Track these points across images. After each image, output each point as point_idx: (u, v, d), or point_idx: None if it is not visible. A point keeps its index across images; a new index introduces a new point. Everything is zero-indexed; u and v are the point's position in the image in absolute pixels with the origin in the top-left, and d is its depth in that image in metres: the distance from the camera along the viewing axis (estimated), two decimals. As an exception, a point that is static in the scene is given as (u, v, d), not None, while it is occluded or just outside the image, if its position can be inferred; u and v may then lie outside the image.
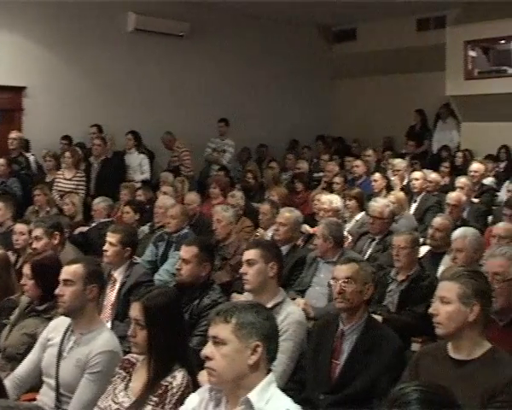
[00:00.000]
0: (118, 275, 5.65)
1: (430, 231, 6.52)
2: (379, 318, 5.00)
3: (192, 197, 8.61)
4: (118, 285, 5.60)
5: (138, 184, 10.52)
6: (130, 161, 11.21)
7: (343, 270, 4.20)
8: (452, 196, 7.72)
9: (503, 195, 9.32)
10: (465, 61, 13.05)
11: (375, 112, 14.80)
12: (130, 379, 3.43)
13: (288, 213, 6.82)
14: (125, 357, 3.57)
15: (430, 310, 3.33)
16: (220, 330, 2.75)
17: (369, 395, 3.84)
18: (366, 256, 6.89)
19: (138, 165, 11.26)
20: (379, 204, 7.12)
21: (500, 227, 6.29)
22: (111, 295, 5.59)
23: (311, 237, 7.34)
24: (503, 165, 12.13)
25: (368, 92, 15.10)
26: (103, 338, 3.89)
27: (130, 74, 12.40)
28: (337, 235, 6.16)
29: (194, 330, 4.61)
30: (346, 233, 7.59)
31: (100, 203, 8.57)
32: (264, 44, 14.25)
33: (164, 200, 8.17)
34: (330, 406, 3.89)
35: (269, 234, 7.45)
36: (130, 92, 12.36)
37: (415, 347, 4.83)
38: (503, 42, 13.19)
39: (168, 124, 12.22)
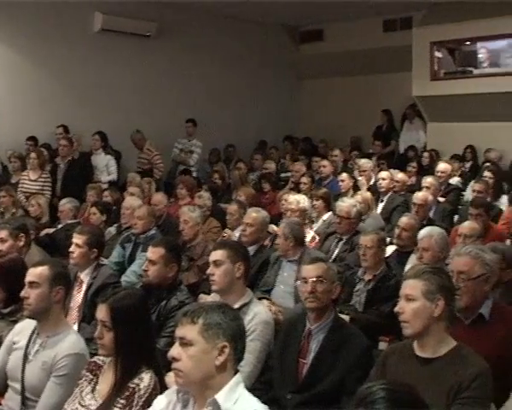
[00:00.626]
0: (84, 277, 5.60)
1: (396, 230, 6.57)
2: (346, 317, 5.03)
3: (159, 198, 8.58)
4: (84, 287, 5.55)
5: (105, 185, 10.47)
6: (96, 162, 11.13)
7: (313, 269, 4.22)
8: (419, 196, 7.78)
9: (468, 194, 9.42)
10: (431, 61, 13.17)
11: (343, 112, 14.87)
12: (97, 382, 3.41)
13: (254, 214, 6.83)
14: (92, 359, 3.54)
15: (396, 309, 3.36)
16: (187, 331, 2.74)
17: (336, 394, 3.86)
18: (333, 256, 6.93)
19: (105, 166, 11.19)
20: (346, 204, 7.15)
21: (465, 226, 6.37)
22: (77, 297, 5.54)
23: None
24: (468, 165, 12.29)
25: (335, 93, 15.16)
26: (69, 341, 3.86)
27: (97, 75, 12.30)
28: (297, 234, 6.19)
29: (162, 332, 4.58)
30: (313, 233, 7.64)
31: (66, 204, 8.51)
32: (231, 45, 14.25)
33: (131, 201, 8.13)
34: (298, 405, 3.90)
35: (236, 234, 7.45)
36: (96, 93, 12.27)
37: (382, 346, 4.87)
38: (468, 43, 13.35)
39: (135, 124, 12.16)
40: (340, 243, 7.08)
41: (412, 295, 3.28)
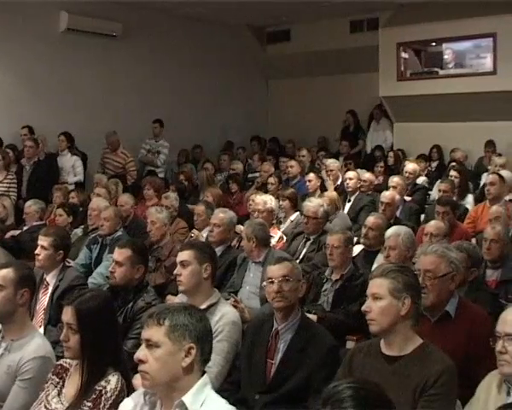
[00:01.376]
0: (50, 279, 5.56)
1: (364, 230, 6.61)
2: (313, 317, 5.05)
3: (126, 199, 8.53)
4: (50, 289, 5.51)
5: (71, 186, 10.39)
6: (62, 163, 11.04)
7: (279, 269, 4.23)
8: (386, 195, 7.84)
9: (434, 193, 9.50)
10: (398, 62, 13.30)
11: (310, 112, 14.92)
12: (63, 385, 3.38)
13: (222, 214, 6.82)
14: (58, 362, 3.51)
15: (363, 308, 3.37)
16: (153, 332, 2.73)
17: (304, 393, 3.87)
18: (301, 256, 6.95)
19: (71, 167, 11.12)
20: (313, 204, 7.17)
21: (432, 225, 6.43)
22: (43, 299, 5.50)
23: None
24: (434, 164, 12.41)
25: (302, 93, 15.21)
26: (35, 344, 3.83)
27: (63, 75, 12.17)
28: (260, 235, 6.17)
29: (129, 334, 4.55)
30: (280, 233, 7.66)
31: (32, 206, 8.43)
32: (197, 45, 14.20)
33: (97, 202, 8.09)
34: (266, 405, 3.91)
35: (204, 235, 7.45)
36: (62, 93, 12.13)
37: (349, 345, 4.89)
38: (434, 44, 13.52)
39: (102, 125, 12.08)
40: (308, 243, 7.10)
41: (379, 294, 3.30)
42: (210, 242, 6.46)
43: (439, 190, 8.64)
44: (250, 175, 12.40)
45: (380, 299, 3.29)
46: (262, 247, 6.17)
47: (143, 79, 13.28)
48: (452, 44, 13.00)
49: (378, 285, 3.32)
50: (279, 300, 4.12)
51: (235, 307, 4.99)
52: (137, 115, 12.87)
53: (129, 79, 13.08)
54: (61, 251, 5.59)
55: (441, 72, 13.02)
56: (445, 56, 13.13)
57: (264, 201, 7.78)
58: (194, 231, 7.74)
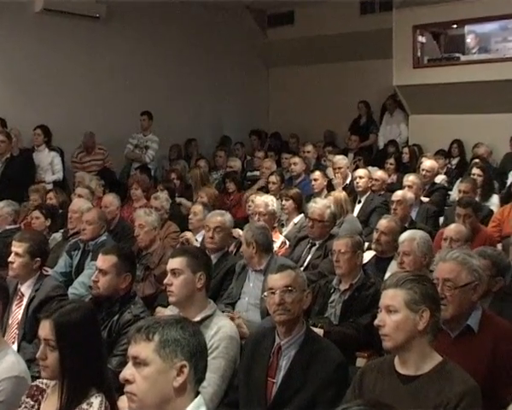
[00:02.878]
0: (25, 289, 5.55)
1: (375, 234, 6.60)
2: (319, 331, 5.04)
3: (111, 200, 8.52)
4: (25, 301, 5.49)
5: (49, 186, 10.38)
6: (39, 160, 11.02)
7: (280, 278, 4.23)
8: (397, 193, 7.86)
9: (455, 194, 9.49)
10: (413, 47, 13.26)
11: (316, 104, 14.94)
12: (38, 408, 3.37)
13: (220, 217, 6.81)
14: (34, 383, 3.50)
15: (376, 322, 3.36)
16: (141, 349, 2.72)
17: (309, 415, 3.87)
18: (305, 263, 6.95)
19: (49, 164, 11.10)
20: (319, 205, 7.16)
21: (451, 229, 6.41)
22: (17, 312, 5.49)
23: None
24: (455, 161, 12.38)
25: (307, 82, 15.22)
26: (7, 362, 3.81)
27: (38, 60, 12.10)
28: (262, 240, 6.16)
29: (114, 350, 4.56)
30: (282, 238, 7.66)
31: (4, 208, 8.42)
32: (191, 30, 14.20)
33: (79, 203, 8.08)
34: (266, 429, 3.91)
35: (198, 238, 7.44)
36: (38, 81, 12.08)
37: (360, 362, 4.88)
38: (455, 26, 13.45)
39: (82, 117, 12.10)
40: (313, 249, 7.10)
41: (393, 306, 3.29)
42: (207, 247, 6.46)
43: (460, 191, 8.63)
44: (249, 173, 12.42)
45: (394, 312, 3.28)
46: (263, 253, 6.16)
47: (130, 66, 13.29)
48: (475, 27, 12.98)
49: (392, 296, 3.31)
50: (281, 312, 4.12)
51: (232, 320, 4.98)
52: (124, 107, 12.88)
53: (114, 67, 13.07)
54: (38, 258, 5.58)
55: (463, 57, 12.99)
56: (468, 40, 13.11)
57: (265, 202, 7.78)
58: (187, 233, 7.73)
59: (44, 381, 3.42)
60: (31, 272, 5.56)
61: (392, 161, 11.45)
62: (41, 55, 12.19)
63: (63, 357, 3.29)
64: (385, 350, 3.44)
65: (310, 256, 7.06)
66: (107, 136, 12.10)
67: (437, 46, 13.66)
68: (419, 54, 13.38)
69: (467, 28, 13.11)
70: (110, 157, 12.19)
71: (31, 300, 5.48)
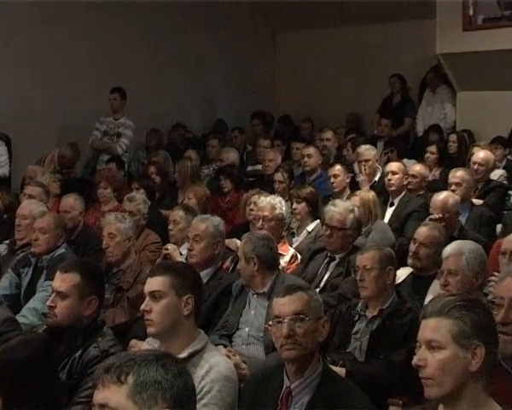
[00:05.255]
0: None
1: (412, 246, 6.60)
2: (340, 370, 5.04)
3: (71, 202, 8.52)
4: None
5: (-10, 184, 10.40)
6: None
7: (289, 303, 4.23)
8: (439, 198, 7.81)
9: (516, 193, 9.50)
10: (464, 3, 13.18)
11: (335, 79, 14.91)
12: None
13: (202, 224, 6.82)
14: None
15: (414, 361, 3.28)
16: (111, 394, 2.70)
17: None
18: (322, 283, 6.95)
19: (-9, 156, 11.15)
20: (339, 209, 7.16)
21: (512, 240, 6.37)
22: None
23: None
24: (517, 152, 12.34)
25: (325, 51, 15.19)
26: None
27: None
28: (265, 254, 6.17)
29: (75, 396, 4.54)
30: (292, 251, 7.65)
31: None
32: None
33: (30, 206, 8.08)
34: None
35: (184, 252, 7.45)
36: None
37: (393, 410, 4.89)
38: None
39: (35, 98, 12.08)
40: (332, 265, 7.09)
41: (437, 341, 3.22)
42: (191, 263, 6.46)
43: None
44: (250, 168, 12.40)
45: (438, 349, 3.20)
46: (267, 271, 6.15)
47: (99, 34, 13.22)
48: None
49: (435, 328, 3.23)
50: (291, 347, 4.12)
51: (228, 357, 4.98)
52: (88, 83, 12.86)
53: (78, 36, 13.00)
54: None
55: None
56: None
57: (271, 204, 7.77)
58: (169, 245, 7.73)
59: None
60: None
61: (434, 151, 11.42)
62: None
63: (7, 404, 3.28)
64: (427, 398, 3.38)
65: (328, 274, 7.06)
66: (67, 120, 12.06)
67: (495, 2, 13.56)
68: (471, 12, 13.29)
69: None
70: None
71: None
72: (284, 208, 7.85)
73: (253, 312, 6.10)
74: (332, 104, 14.63)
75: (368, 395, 4.17)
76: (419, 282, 6.50)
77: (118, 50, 13.45)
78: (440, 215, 7.58)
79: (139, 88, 13.11)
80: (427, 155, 11.29)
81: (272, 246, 6.34)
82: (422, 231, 6.61)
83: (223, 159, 11.98)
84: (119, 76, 12.95)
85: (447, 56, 13.34)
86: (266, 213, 7.72)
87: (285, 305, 4.24)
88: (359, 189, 9.25)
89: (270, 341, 4.91)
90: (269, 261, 6.20)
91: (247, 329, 6.04)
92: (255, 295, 6.14)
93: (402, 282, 6.50)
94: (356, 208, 7.36)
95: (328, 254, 7.19)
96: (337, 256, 7.11)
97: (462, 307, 3.26)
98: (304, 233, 8.25)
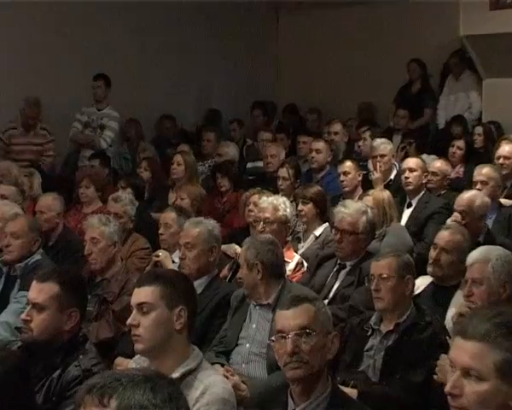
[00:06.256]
0: None
1: (433, 252, 6.59)
2: (352, 391, 5.04)
3: (50, 202, 8.53)
4: None
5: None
6: None
7: (294, 316, 4.23)
8: (464, 197, 7.81)
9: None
10: (491, -21, 13.22)
11: (346, 64, 14.91)
12: None
13: (195, 229, 6.82)
14: None
15: (448, 389, 3.14)
16: (93, 419, 2.72)
17: None
18: (331, 293, 6.94)
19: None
20: (350, 210, 7.15)
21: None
22: None
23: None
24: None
25: (334, 33, 15.19)
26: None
27: None
28: (270, 260, 6.17)
29: (54, 420, 4.57)
30: (298, 257, 7.65)
31: None
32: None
33: (1, 208, 8.10)
34: None
35: (176, 259, 7.45)
36: None
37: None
38: None
39: (6, 85, 12.08)
40: (342, 273, 7.08)
41: (478, 372, 3.05)
42: (184, 272, 6.46)
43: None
44: (250, 165, 12.40)
45: (479, 380, 3.04)
46: (272, 280, 6.15)
47: (79, 13, 13.21)
48: None
49: (478, 356, 3.06)
50: (296, 365, 4.12)
51: (226, 377, 4.98)
52: (69, 69, 12.84)
53: (54, 13, 13.01)
54: None
55: None
56: None
57: (274, 205, 7.76)
58: (160, 252, 7.73)
59: None
60: None
61: (461, 145, 11.40)
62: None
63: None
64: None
65: (337, 284, 7.04)
66: (43, 110, 12.06)
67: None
68: (500, -12, 13.33)
69: None
70: (52, 147, 12.10)
71: None
72: (288, 210, 7.85)
73: (254, 325, 6.10)
74: (342, 93, 14.64)
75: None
76: (440, 292, 6.49)
77: (99, 34, 13.42)
78: (460, 217, 7.57)
79: (124, 74, 13.12)
80: (453, 150, 11.27)
81: (278, 252, 6.34)
82: (444, 236, 6.60)
83: (222, 154, 11.96)
84: (101, 62, 12.93)
85: (472, 39, 13.35)
86: (268, 215, 7.72)
87: (289, 318, 4.23)
88: (373, 188, 9.24)
89: (273, 358, 4.81)
90: (274, 269, 6.19)
91: (247, 345, 6.04)
92: (257, 307, 6.14)
93: (421, 292, 6.49)
94: (369, 210, 7.34)
95: (338, 262, 7.18)
96: (348, 264, 7.10)
97: (505, 324, 3.10)
98: (311, 238, 8.24)
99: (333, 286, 7.06)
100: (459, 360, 3.11)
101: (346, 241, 7.09)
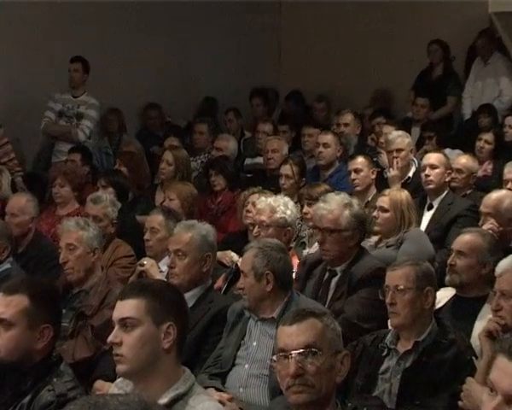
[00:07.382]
0: None
1: (450, 257, 6.58)
2: (365, 420, 5.06)
3: (21, 203, 8.55)
4: None
5: None
6: None
7: (298, 333, 4.22)
8: (491, 198, 7.80)
9: None
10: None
11: (359, 46, 14.93)
12: None
13: (186, 233, 6.83)
14: None
15: None
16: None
17: None
18: (326, 306, 6.85)
19: None
20: (330, 206, 7.00)
21: None
22: None
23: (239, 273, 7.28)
24: None
25: (344, 11, 15.21)
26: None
27: None
28: (281, 269, 6.16)
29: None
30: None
31: None
32: None
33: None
34: None
35: (163, 268, 7.45)
36: None
37: None
38: None
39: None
40: (334, 282, 6.98)
41: None
42: (172, 283, 6.45)
43: None
44: (249, 160, 12.40)
45: None
46: (281, 292, 6.15)
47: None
48: None
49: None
50: (299, 389, 4.13)
51: (221, 403, 4.99)
52: (41, 52, 12.85)
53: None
54: None
55: None
56: None
57: (271, 207, 7.74)
58: (145, 260, 7.74)
59: None
60: None
61: (490, 139, 11.39)
62: None
63: None
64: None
65: (331, 294, 7.00)
66: (11, 99, 12.09)
67: None
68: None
69: None
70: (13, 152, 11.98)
71: None
72: (289, 212, 7.80)
73: (255, 343, 6.09)
74: (354, 79, 14.67)
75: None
76: (464, 305, 6.46)
77: (77, 14, 13.42)
78: (496, 224, 7.55)
79: (104, 57, 13.12)
80: (481, 144, 11.27)
81: (289, 260, 6.35)
82: (464, 239, 6.58)
83: (221, 148, 11.92)
84: (78, 44, 12.92)
85: (502, 16, 13.39)
86: (263, 218, 7.70)
87: (292, 335, 4.22)
88: (388, 187, 9.24)
89: (276, 381, 4.77)
90: (285, 279, 6.19)
91: (246, 366, 6.04)
92: (259, 322, 6.13)
93: (443, 306, 6.48)
94: (353, 201, 7.19)
95: (328, 268, 7.09)
96: (338, 269, 6.98)
97: None
98: (317, 243, 8.23)
99: (326, 298, 6.94)
100: (502, 385, 3.08)
101: (328, 241, 6.93)
